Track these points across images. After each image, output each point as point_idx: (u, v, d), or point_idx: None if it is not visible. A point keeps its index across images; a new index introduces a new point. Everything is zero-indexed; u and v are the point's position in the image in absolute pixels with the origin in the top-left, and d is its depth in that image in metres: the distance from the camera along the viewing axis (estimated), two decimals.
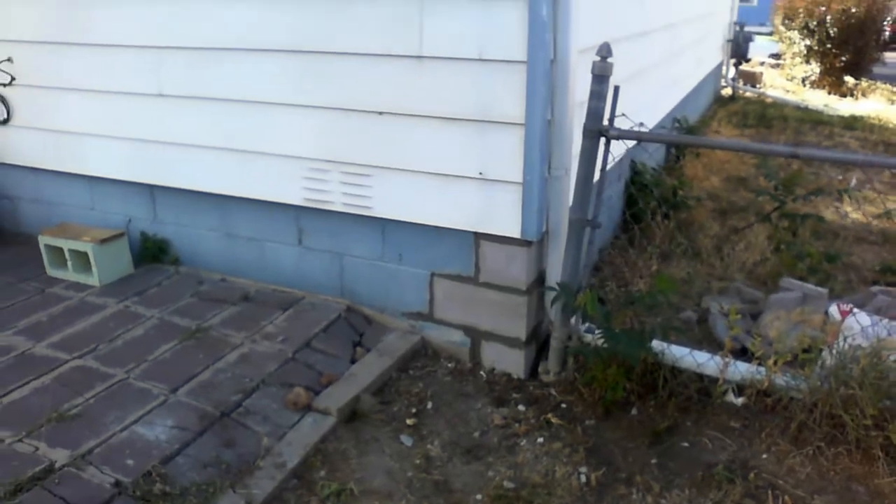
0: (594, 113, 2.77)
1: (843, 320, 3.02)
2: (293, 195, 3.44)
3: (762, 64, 13.16)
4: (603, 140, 2.83)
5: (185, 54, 3.48)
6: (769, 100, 9.89)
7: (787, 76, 11.80)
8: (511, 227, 2.99)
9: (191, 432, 2.66)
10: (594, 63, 2.73)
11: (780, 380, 2.86)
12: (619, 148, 3.00)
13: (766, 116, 8.51)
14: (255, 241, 3.72)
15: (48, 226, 4.08)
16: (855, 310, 3.05)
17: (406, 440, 2.81)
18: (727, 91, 10.17)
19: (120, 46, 3.63)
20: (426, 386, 3.15)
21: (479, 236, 3.12)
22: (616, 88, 2.79)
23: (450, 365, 3.31)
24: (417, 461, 2.71)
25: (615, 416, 2.97)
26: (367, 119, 3.13)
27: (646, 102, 4.66)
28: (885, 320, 3.02)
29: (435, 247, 3.24)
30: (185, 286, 3.80)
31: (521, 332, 3.16)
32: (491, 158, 2.94)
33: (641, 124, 2.92)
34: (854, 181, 5.60)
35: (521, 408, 3.02)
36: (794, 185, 4.42)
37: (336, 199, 3.34)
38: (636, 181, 4.77)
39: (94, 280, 3.79)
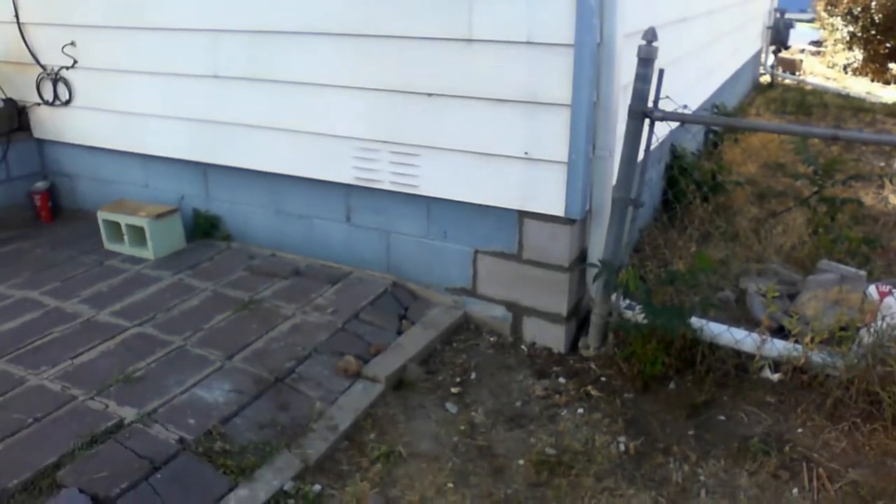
0: (639, 95, 2.85)
1: (881, 300, 3.07)
2: (343, 174, 3.57)
3: (802, 51, 12.97)
4: (647, 121, 2.90)
5: (241, 37, 3.62)
6: (808, 87, 9.79)
7: (828, 63, 11.64)
8: (555, 205, 3.09)
9: (247, 395, 2.81)
10: (640, 47, 2.80)
11: (817, 357, 2.92)
12: (661, 130, 3.07)
13: (806, 104, 8.44)
14: (305, 218, 3.87)
15: (104, 203, 4.27)
16: (894, 290, 3.09)
17: (451, 407, 2.94)
18: (766, 78, 10.08)
19: (177, 30, 3.79)
20: (469, 358, 3.27)
21: (522, 214, 3.21)
22: (661, 71, 2.86)
23: (491, 339, 3.43)
24: (462, 427, 2.83)
25: (653, 390, 3.06)
26: (417, 100, 3.23)
27: (685, 88, 4.69)
28: None
29: (479, 225, 3.34)
30: (236, 260, 3.96)
31: (562, 307, 3.26)
32: (537, 139, 3.03)
33: (685, 106, 2.99)
34: None
35: (561, 380, 3.13)
36: (834, 171, 4.43)
37: (384, 177, 3.46)
38: (676, 164, 4.82)
39: (149, 254, 3.97)
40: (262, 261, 3.94)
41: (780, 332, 3.15)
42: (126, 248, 4.08)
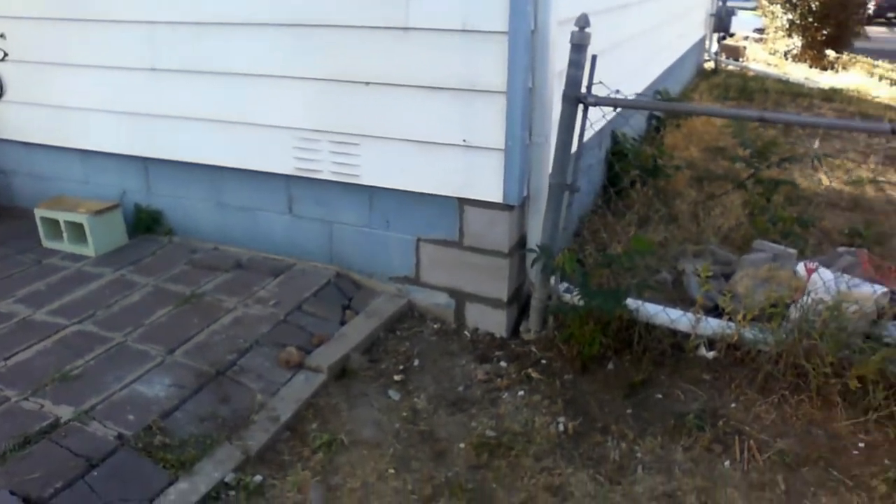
0: (572, 81, 2.90)
1: (808, 277, 3.18)
2: (284, 165, 3.56)
3: (746, 38, 13.29)
4: (581, 107, 2.95)
5: (178, 28, 3.57)
6: (751, 73, 10.03)
7: (770, 50, 11.94)
8: (493, 192, 3.12)
9: (188, 389, 2.79)
10: (573, 33, 2.84)
11: (749, 333, 3.02)
12: (597, 115, 3.12)
13: (748, 89, 8.65)
14: (247, 211, 3.84)
15: (42, 200, 4.17)
16: (820, 268, 3.21)
17: (393, 394, 2.96)
18: (710, 65, 10.30)
19: (113, 21, 3.71)
20: (412, 345, 3.30)
21: (462, 202, 3.25)
22: (594, 57, 2.91)
23: (435, 326, 3.46)
24: (404, 413, 2.86)
25: (592, 371, 3.12)
26: (355, 89, 3.23)
27: (625, 73, 4.77)
28: (847, 277, 3.18)
29: (420, 213, 3.36)
30: (178, 255, 3.91)
31: (503, 293, 3.30)
32: (474, 126, 3.06)
33: (617, 91, 3.05)
34: (817, 144, 5.77)
35: (502, 364, 3.18)
36: (770, 153, 4.57)
37: (325, 167, 3.45)
38: (616, 150, 4.91)
39: (89, 251, 3.90)
40: (204, 254, 3.90)
41: (716, 310, 3.25)
42: (65, 246, 4.00)
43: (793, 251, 3.62)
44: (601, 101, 2.90)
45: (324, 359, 3.04)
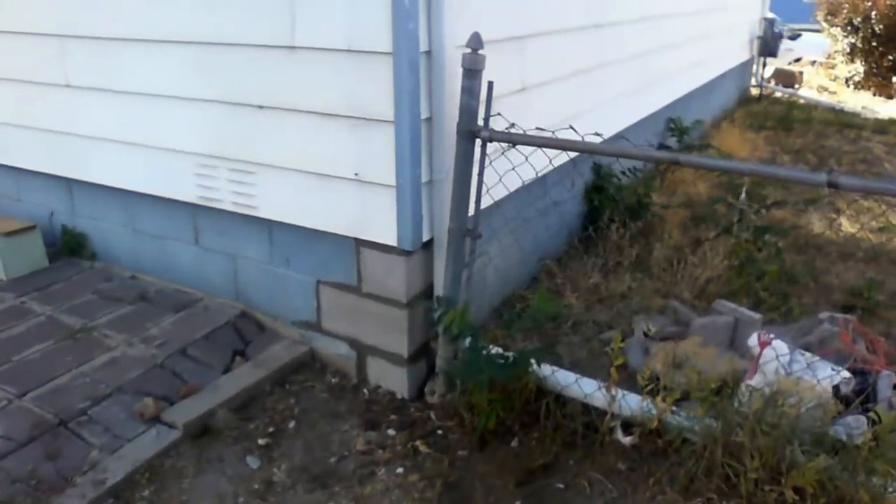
0: (466, 111, 2.49)
1: (760, 351, 2.66)
2: (187, 192, 3.26)
3: (813, 63, 12.39)
4: (479, 142, 2.54)
5: (88, 44, 3.33)
6: (801, 101, 9.26)
7: (830, 76, 11.07)
8: (387, 234, 2.74)
9: (15, 442, 2.50)
10: (464, 56, 2.44)
11: (673, 419, 2.51)
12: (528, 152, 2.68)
13: (789, 118, 7.94)
14: (159, 239, 3.56)
15: None
16: (776, 340, 2.68)
17: (252, 462, 2.59)
18: (756, 91, 9.56)
19: (23, 34, 3.52)
20: (298, 402, 2.92)
21: (359, 242, 2.87)
22: (490, 84, 2.50)
23: (334, 380, 3.07)
24: (256, 486, 2.49)
25: (492, 447, 2.68)
26: (248, 113, 2.91)
27: (607, 100, 4.31)
28: (808, 354, 2.63)
29: (319, 252, 3.00)
30: (91, 282, 3.66)
31: (403, 348, 2.90)
32: (365, 159, 2.69)
33: (512, 125, 2.62)
34: None
35: (390, 432, 2.76)
36: (761, 195, 4.00)
37: (225, 196, 3.14)
38: (597, 185, 4.43)
39: (0, 273, 3.70)
40: (117, 283, 3.64)
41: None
42: None
43: (757, 316, 3.07)
44: (496, 136, 2.48)
45: (183, 413, 2.71)
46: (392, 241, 2.73)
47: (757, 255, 3.82)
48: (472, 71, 2.44)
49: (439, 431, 2.77)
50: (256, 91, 2.86)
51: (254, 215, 3.09)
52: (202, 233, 3.36)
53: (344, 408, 2.91)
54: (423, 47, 2.50)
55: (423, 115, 2.58)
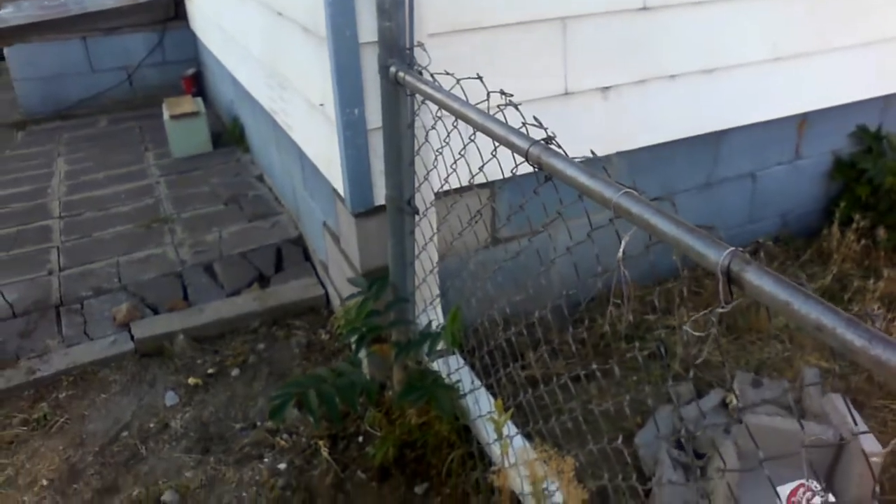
0: (385, 37, 1.75)
1: None
2: (264, 99, 3.06)
3: None
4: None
5: None
6: None
7: None
8: (342, 186, 2.18)
9: (11, 312, 2.73)
10: None
11: None
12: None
13: None
14: (265, 143, 3.46)
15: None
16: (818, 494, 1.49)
17: (170, 399, 2.42)
18: None
19: None
20: (268, 349, 2.61)
21: (334, 189, 2.36)
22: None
23: (325, 337, 2.68)
24: (151, 425, 2.31)
25: (393, 484, 2.07)
26: (274, 18, 2.54)
27: None
28: None
29: (322, 190, 2.57)
30: (221, 174, 3.80)
31: None
32: (326, 85, 2.13)
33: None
34: None
35: (311, 418, 2.31)
36: None
37: (278, 109, 2.86)
38: (855, 156, 3.01)
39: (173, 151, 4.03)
40: (237, 179, 3.71)
41: None
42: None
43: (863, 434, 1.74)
44: (408, 80, 1.69)
45: (144, 328, 2.64)
46: (345, 195, 2.17)
47: None
48: None
49: (359, 438, 2.23)
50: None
51: (291, 137, 2.77)
52: (279, 143, 3.15)
53: (300, 372, 2.53)
54: None
55: (363, 38, 1.91)
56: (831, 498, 1.55)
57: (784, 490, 1.56)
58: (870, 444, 1.75)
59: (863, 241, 2.86)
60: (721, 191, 2.79)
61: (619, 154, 2.44)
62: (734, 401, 1.98)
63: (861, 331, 0.75)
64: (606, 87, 2.31)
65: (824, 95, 2.77)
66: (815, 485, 1.51)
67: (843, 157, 3.03)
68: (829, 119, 2.86)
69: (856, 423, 1.35)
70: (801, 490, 1.53)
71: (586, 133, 2.27)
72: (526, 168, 1.30)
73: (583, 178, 1.13)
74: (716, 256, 0.90)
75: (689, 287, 2.69)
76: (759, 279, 0.85)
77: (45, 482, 2.10)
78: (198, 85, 5.08)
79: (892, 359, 0.72)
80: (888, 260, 2.81)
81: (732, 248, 0.90)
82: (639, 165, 2.48)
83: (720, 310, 0.91)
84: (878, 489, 1.71)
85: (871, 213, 2.92)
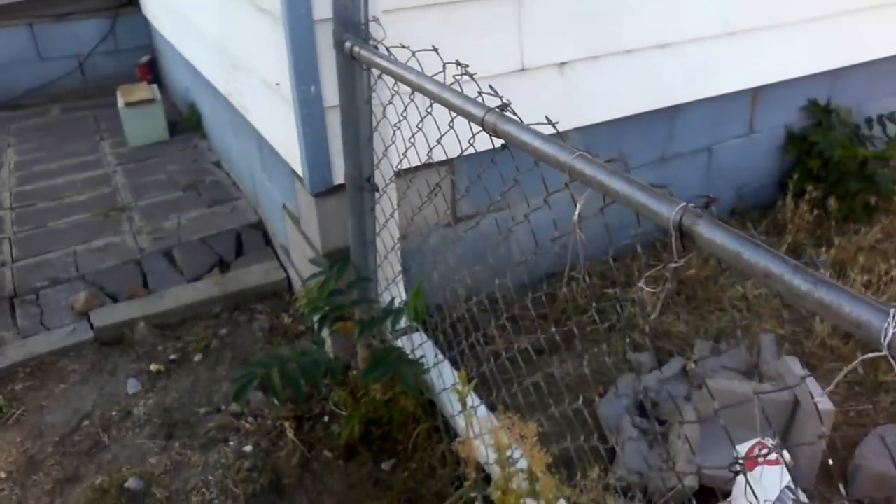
0: (339, 9, 1.74)
1: (737, 474, 1.55)
2: (221, 84, 3.01)
3: None
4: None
5: None
6: None
7: None
8: (300, 166, 2.16)
9: None
10: None
11: None
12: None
13: None
14: (220, 129, 3.41)
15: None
16: (779, 453, 1.53)
17: (132, 386, 2.38)
18: None
19: None
20: (230, 334, 2.59)
21: (292, 169, 2.34)
22: None
23: (288, 320, 2.67)
24: (113, 413, 2.28)
25: (359, 461, 2.07)
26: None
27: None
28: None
29: (280, 172, 2.54)
30: (176, 162, 3.74)
31: None
32: (281, 64, 2.11)
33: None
34: None
35: (276, 401, 2.30)
36: None
37: (232, 92, 2.82)
38: (804, 130, 3.07)
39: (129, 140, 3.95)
40: (194, 166, 3.65)
41: None
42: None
43: (819, 397, 1.80)
44: (363, 54, 1.68)
45: (104, 317, 2.60)
46: (304, 175, 2.16)
47: None
48: None
49: (325, 418, 2.23)
50: None
51: (248, 119, 2.73)
52: (237, 127, 3.11)
53: (264, 355, 2.51)
54: None
55: (318, 15, 1.89)
56: (786, 454, 1.60)
57: (742, 449, 1.60)
58: (823, 403, 1.80)
59: (815, 212, 2.95)
60: (677, 165, 2.83)
61: (576, 130, 2.46)
62: (694, 367, 2.03)
63: (806, 276, 0.78)
64: (563, 63, 2.33)
65: (776, 70, 2.82)
66: (770, 442, 1.55)
67: (795, 131, 3.10)
68: (782, 93, 2.92)
69: (804, 380, 1.39)
70: (758, 448, 1.57)
71: (544, 109, 2.26)
72: (484, 144, 1.31)
73: (538, 143, 1.14)
74: (668, 212, 0.92)
75: (648, 262, 2.73)
76: (710, 232, 0.87)
77: (2, 474, 2.06)
78: (153, 72, 4.99)
79: (835, 300, 0.74)
80: (838, 229, 2.89)
81: (684, 203, 0.92)
82: (595, 141, 2.50)
83: (673, 264, 0.93)
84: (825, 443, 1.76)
85: (823, 185, 3.01)
